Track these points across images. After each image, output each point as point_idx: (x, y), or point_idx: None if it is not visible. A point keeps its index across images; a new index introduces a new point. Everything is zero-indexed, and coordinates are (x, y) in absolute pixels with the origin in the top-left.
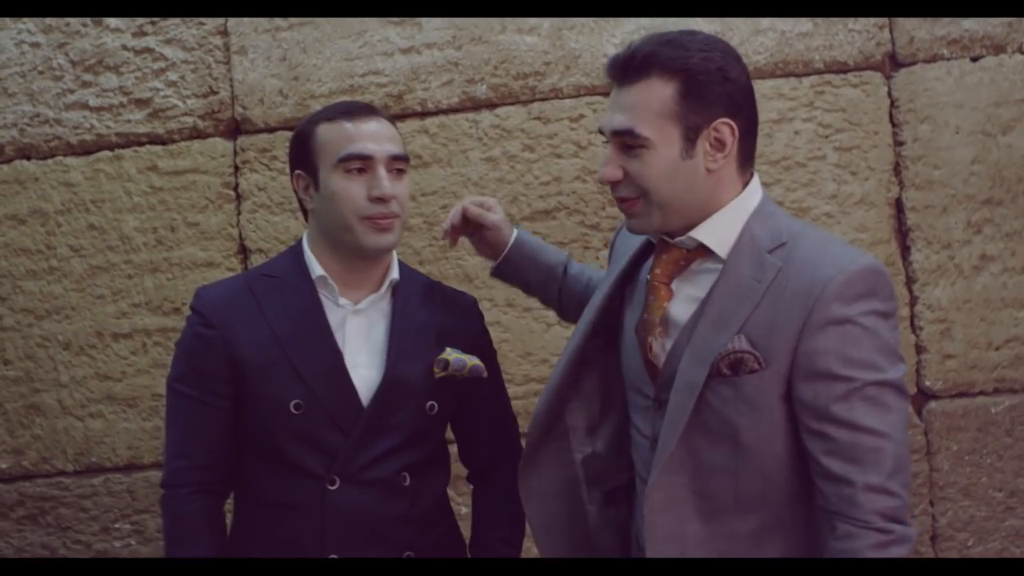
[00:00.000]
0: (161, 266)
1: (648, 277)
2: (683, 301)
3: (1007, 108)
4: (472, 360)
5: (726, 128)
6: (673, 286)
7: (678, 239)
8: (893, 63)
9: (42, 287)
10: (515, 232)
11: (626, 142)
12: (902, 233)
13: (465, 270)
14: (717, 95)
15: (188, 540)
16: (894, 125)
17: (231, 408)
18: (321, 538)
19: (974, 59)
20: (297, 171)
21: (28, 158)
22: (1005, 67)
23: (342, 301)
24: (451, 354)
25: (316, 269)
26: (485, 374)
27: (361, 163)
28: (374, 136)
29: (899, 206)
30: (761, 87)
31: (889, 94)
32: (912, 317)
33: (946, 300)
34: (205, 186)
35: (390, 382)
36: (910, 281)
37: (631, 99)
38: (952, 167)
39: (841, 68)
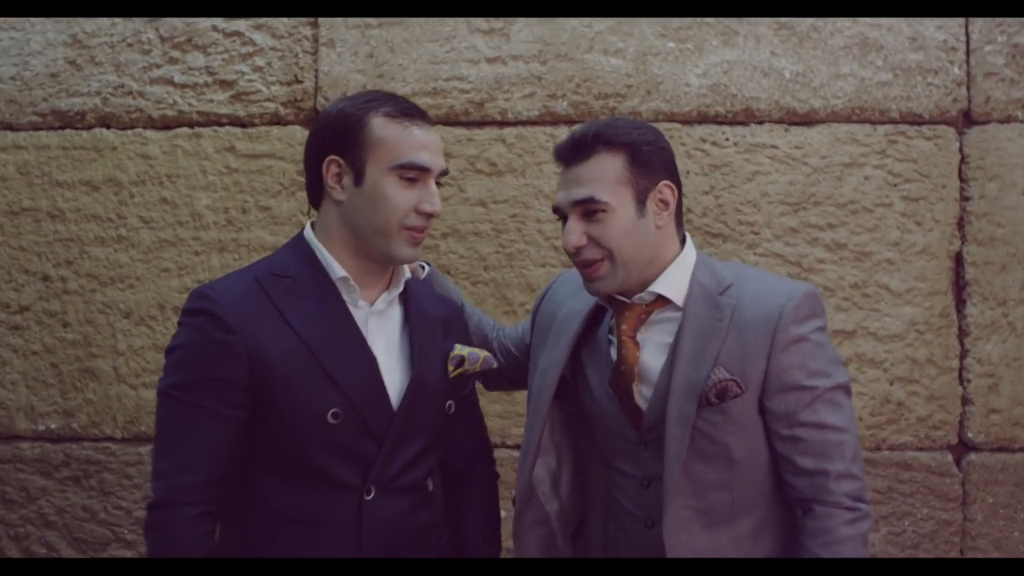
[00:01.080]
0: (229, 246)
1: (610, 336)
2: (652, 349)
3: None
4: (483, 352)
5: (668, 189)
6: (638, 338)
7: (636, 296)
8: (967, 120)
9: (109, 255)
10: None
11: (588, 209)
12: (959, 287)
13: (528, 279)
14: (657, 161)
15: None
16: (962, 180)
17: (246, 420)
18: (359, 553)
19: None
20: (332, 157)
21: (108, 127)
22: None
23: (360, 302)
24: (463, 349)
25: (337, 270)
26: (495, 364)
27: (417, 173)
28: (434, 147)
29: (959, 260)
30: (836, 131)
31: (960, 150)
32: (961, 369)
33: (996, 356)
34: (280, 172)
35: (417, 384)
36: (962, 334)
37: (587, 173)
38: (1015, 226)
39: (916, 120)
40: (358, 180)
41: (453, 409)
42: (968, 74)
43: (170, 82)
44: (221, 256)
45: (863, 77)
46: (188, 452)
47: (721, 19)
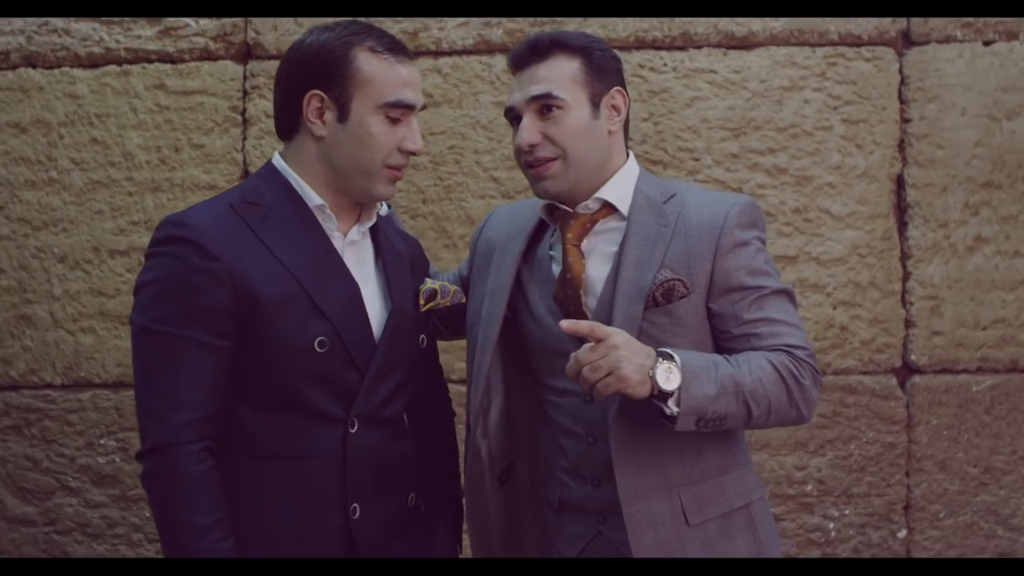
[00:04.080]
0: (163, 185)
1: (551, 253)
2: (597, 259)
3: (1014, 94)
4: (452, 286)
5: (620, 96)
6: (582, 248)
7: (581, 205)
8: (906, 41)
9: (40, 198)
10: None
11: (544, 104)
12: (901, 209)
13: (468, 211)
14: (611, 68)
15: (208, 507)
16: (902, 102)
17: (233, 352)
18: (344, 486)
19: (986, 43)
20: (314, 91)
21: (34, 67)
22: (1016, 53)
23: (336, 233)
24: (434, 283)
25: (314, 197)
26: (464, 299)
27: (403, 112)
28: (416, 83)
29: (900, 182)
30: (775, 54)
31: (900, 71)
32: (904, 292)
33: (938, 278)
34: (212, 108)
35: (398, 315)
36: (904, 257)
37: (544, 72)
38: (955, 148)
39: (855, 42)
40: (342, 117)
41: (425, 343)
42: None
43: (96, 19)
44: (155, 196)
45: None
46: (180, 388)
47: None
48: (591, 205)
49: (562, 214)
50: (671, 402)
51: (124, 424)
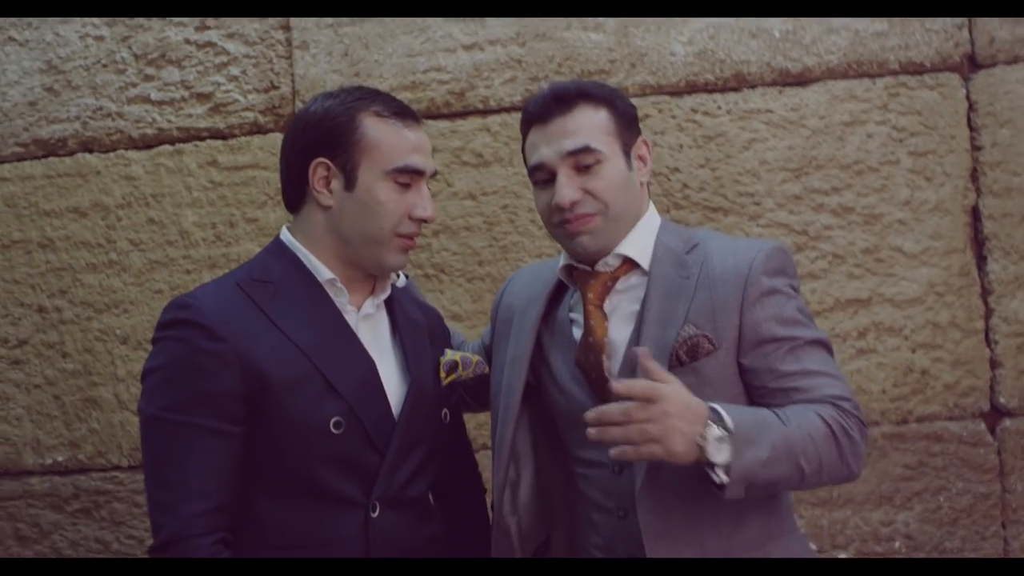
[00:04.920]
0: (219, 261)
1: (571, 315)
2: (619, 320)
3: None
4: (475, 357)
5: (644, 146)
6: (605, 307)
7: (601, 262)
8: (972, 64)
9: (101, 280)
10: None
11: (581, 161)
12: (978, 242)
13: None
14: (633, 117)
15: None
16: (972, 129)
17: (244, 436)
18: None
19: None
20: (320, 159)
21: (90, 151)
22: None
23: (349, 307)
24: (455, 354)
25: (324, 272)
26: (487, 369)
27: (411, 177)
28: (425, 148)
29: (976, 214)
30: (833, 88)
31: (967, 97)
32: (987, 330)
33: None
34: (265, 182)
35: (418, 390)
36: (986, 293)
37: (574, 124)
38: None
39: (917, 69)
40: (349, 184)
41: (448, 417)
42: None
43: (147, 100)
44: (212, 272)
45: (857, 29)
46: (192, 478)
47: None
48: (611, 262)
49: (581, 274)
50: (720, 469)
51: None
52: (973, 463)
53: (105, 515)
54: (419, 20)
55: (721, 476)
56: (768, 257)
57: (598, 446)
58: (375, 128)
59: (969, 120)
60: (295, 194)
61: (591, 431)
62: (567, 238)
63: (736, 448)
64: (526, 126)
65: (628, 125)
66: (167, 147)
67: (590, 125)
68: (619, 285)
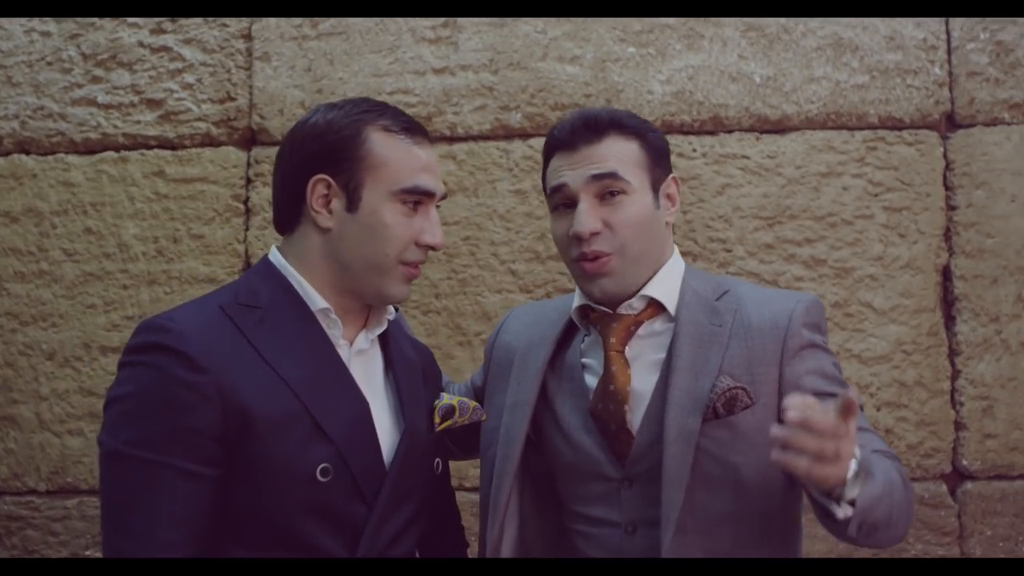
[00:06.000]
0: (159, 278)
1: (583, 361)
2: (641, 368)
3: None
4: (471, 402)
5: (674, 184)
6: (627, 355)
7: (624, 304)
8: (951, 123)
9: (30, 291)
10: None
11: (607, 188)
12: (948, 303)
13: (484, 307)
14: (665, 153)
15: None
16: (947, 188)
17: (220, 481)
18: None
19: None
20: (321, 176)
21: (27, 152)
22: None
23: (341, 340)
24: (451, 398)
25: (317, 300)
26: (483, 416)
27: (420, 199)
28: (435, 168)
29: (947, 273)
30: (811, 138)
31: (944, 155)
32: (953, 392)
33: (990, 376)
34: (213, 197)
35: (411, 437)
36: (953, 353)
37: (604, 151)
38: (1006, 236)
39: (896, 125)
40: (352, 205)
41: (440, 468)
42: (950, 74)
43: (93, 102)
44: (151, 289)
45: (838, 80)
46: (157, 525)
47: (685, 20)
48: (635, 304)
49: (600, 316)
50: (845, 504)
51: None
52: (933, 525)
53: (17, 543)
54: (388, 39)
55: (847, 510)
56: (808, 310)
57: (607, 503)
58: (383, 144)
59: (945, 179)
60: (289, 213)
61: (779, 431)
62: (584, 279)
63: (862, 480)
64: (550, 151)
65: (659, 160)
66: (111, 153)
67: (620, 155)
68: (642, 330)
